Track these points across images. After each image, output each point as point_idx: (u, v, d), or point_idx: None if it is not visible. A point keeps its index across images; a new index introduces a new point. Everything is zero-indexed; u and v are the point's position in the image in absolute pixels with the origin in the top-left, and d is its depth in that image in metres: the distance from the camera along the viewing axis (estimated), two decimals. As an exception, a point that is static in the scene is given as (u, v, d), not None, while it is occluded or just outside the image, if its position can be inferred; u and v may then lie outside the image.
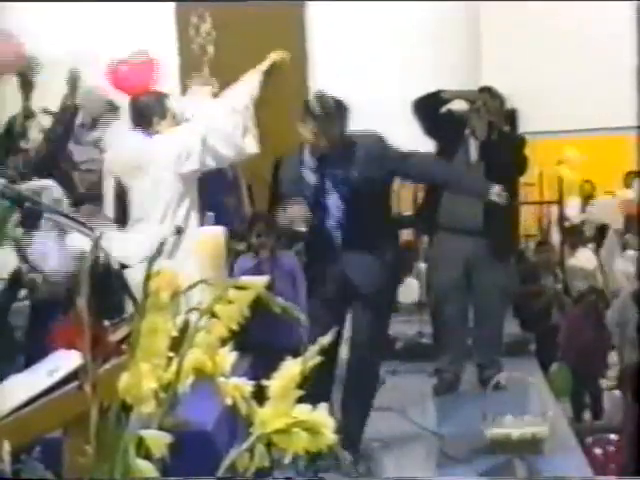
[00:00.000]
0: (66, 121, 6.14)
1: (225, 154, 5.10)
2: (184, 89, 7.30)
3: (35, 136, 6.24)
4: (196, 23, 6.25)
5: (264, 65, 5.29)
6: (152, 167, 5.04)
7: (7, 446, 1.86)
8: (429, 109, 6.09)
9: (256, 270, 5.38)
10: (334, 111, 4.77)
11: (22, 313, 4.88)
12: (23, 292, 4.86)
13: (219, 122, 5.09)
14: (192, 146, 5.01)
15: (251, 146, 5.18)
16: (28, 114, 6.34)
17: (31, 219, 4.52)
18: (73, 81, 6.14)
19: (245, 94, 5.15)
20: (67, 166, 6.33)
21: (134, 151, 5.15)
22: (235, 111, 5.11)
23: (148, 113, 5.22)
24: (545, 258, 8.85)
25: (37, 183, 4.76)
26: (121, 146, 5.39)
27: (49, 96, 6.51)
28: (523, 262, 8.70)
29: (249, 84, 5.22)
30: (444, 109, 6.21)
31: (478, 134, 6.21)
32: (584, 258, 9.31)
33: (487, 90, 6.35)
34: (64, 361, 2.34)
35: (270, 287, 1.64)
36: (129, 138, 5.27)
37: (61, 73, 6.45)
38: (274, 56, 5.34)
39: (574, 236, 9.65)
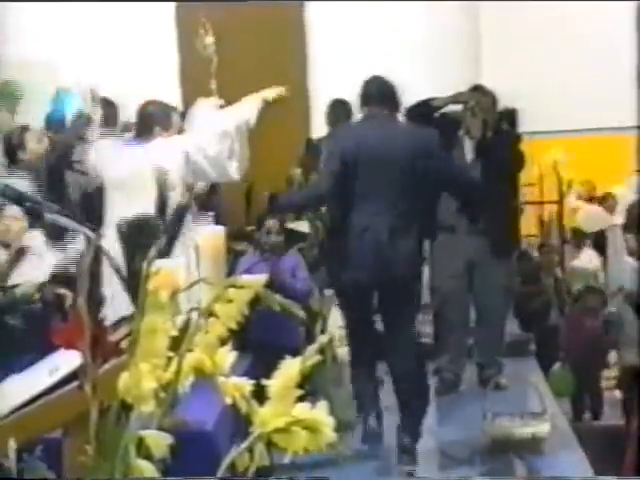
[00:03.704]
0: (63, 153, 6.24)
1: (208, 172, 5.08)
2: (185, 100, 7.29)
3: (32, 146, 6.29)
4: (202, 34, 6.25)
5: (267, 93, 5.26)
6: (137, 174, 5.03)
7: (13, 443, 1.87)
8: (421, 117, 6.07)
9: (258, 268, 5.38)
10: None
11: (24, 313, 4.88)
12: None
13: (206, 141, 5.07)
14: (174, 159, 5.00)
15: (233, 172, 5.16)
16: (25, 126, 6.41)
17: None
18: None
19: (240, 118, 5.12)
20: (62, 163, 6.35)
21: (128, 165, 5.13)
22: (225, 134, 5.08)
23: (150, 122, 5.24)
24: (547, 259, 8.85)
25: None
26: (116, 163, 5.33)
27: (47, 96, 6.53)
28: (525, 262, 8.69)
29: (246, 109, 5.19)
30: (437, 113, 6.21)
31: (473, 133, 6.20)
32: (587, 258, 9.30)
33: (478, 89, 6.35)
34: (64, 361, 2.34)
35: (271, 285, 1.65)
36: (120, 154, 5.24)
37: (59, 73, 6.47)
38: (274, 92, 5.30)
39: (578, 236, 9.63)
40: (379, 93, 5.00)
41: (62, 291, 4.95)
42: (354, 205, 4.89)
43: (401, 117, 5.33)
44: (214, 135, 5.09)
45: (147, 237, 4.35)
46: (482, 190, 5.48)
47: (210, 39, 6.32)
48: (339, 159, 4.89)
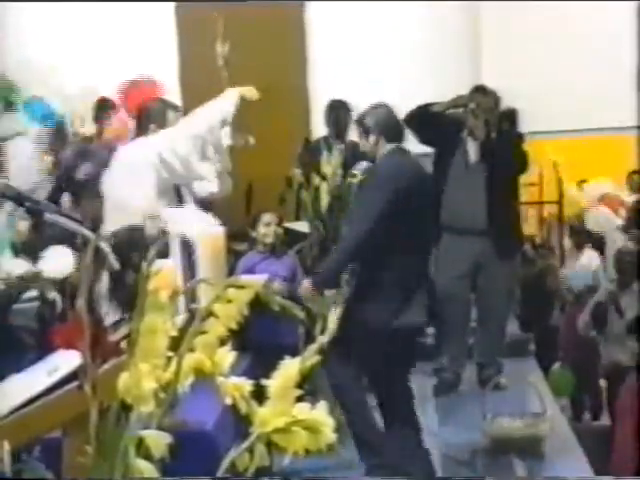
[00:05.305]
0: None
1: (179, 172, 5.05)
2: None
3: None
4: (220, 42, 6.25)
5: (245, 90, 5.20)
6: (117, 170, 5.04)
7: (7, 446, 1.86)
8: (421, 123, 6.05)
9: (260, 266, 5.38)
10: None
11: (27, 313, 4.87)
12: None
13: (175, 141, 5.04)
14: (148, 157, 4.99)
15: (205, 173, 5.10)
16: None
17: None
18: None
19: (211, 117, 5.07)
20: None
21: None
22: (195, 135, 5.04)
23: (146, 120, 5.24)
24: (548, 259, 8.83)
25: None
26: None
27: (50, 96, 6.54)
28: (525, 262, 8.69)
29: (218, 107, 5.12)
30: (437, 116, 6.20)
31: (476, 135, 6.18)
32: (588, 258, 9.28)
33: (479, 89, 6.33)
34: (64, 361, 2.34)
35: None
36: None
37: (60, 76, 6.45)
38: (253, 91, 5.24)
39: (579, 236, 9.62)
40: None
41: (53, 295, 4.93)
42: None
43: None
44: (183, 137, 5.05)
45: (135, 248, 4.33)
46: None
47: (224, 48, 6.27)
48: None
